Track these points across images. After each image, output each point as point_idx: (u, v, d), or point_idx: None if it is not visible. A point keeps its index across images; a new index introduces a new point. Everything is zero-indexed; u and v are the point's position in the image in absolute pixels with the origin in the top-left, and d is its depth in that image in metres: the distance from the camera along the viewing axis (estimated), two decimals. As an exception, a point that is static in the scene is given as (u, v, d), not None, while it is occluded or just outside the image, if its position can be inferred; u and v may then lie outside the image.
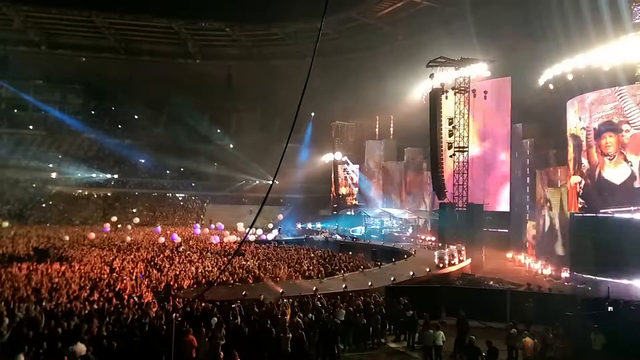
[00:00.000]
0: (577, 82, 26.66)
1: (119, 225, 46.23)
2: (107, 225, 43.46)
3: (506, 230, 37.19)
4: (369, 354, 15.15)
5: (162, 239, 36.68)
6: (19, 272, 22.58)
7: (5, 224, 42.09)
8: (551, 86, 28.76)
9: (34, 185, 62.21)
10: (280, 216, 51.90)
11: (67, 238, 36.66)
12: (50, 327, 13.09)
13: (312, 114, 60.57)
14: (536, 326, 15.33)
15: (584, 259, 25.49)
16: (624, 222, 24.04)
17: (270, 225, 48.01)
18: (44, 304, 16.43)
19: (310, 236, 46.40)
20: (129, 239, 36.92)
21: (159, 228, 45.00)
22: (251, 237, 39.15)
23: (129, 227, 46.46)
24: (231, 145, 72.34)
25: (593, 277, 23.63)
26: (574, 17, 30.44)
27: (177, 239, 36.58)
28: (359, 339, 15.33)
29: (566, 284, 24.87)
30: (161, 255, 29.57)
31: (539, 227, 34.04)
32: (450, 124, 33.90)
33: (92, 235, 37.36)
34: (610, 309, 14.77)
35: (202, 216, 62.84)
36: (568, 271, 26.71)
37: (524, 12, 38.63)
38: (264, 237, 42.05)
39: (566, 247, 29.95)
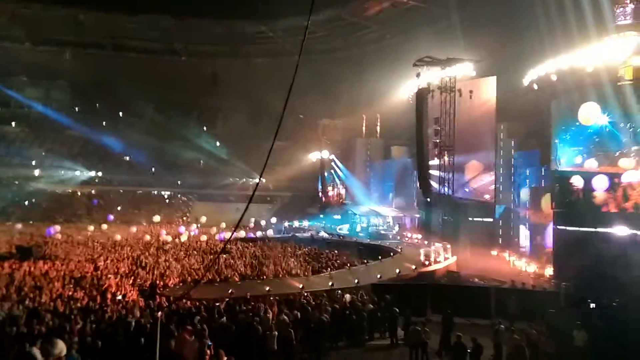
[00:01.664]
0: (561, 82, 27.01)
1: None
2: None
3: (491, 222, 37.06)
4: (354, 351, 15.22)
5: (147, 237, 36.50)
6: (2, 270, 22.28)
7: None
8: (535, 86, 29.10)
9: (16, 182, 61.28)
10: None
11: (59, 236, 36.31)
12: (33, 325, 12.95)
13: (301, 117, 60.33)
14: (519, 323, 15.55)
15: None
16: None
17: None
18: (26, 302, 16.25)
19: (297, 234, 46.41)
20: (118, 237, 36.61)
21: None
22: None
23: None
24: (217, 143, 71.98)
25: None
26: (557, 18, 30.80)
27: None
28: (345, 336, 15.41)
29: (550, 281, 25.16)
30: (146, 253, 29.38)
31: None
32: (436, 123, 34.12)
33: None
34: (592, 306, 15.01)
35: (187, 214, 62.50)
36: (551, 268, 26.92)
37: (508, 12, 38.93)
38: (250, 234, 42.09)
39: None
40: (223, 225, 45.66)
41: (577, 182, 24.51)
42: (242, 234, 39.71)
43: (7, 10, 59.89)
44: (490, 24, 39.78)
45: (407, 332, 14.68)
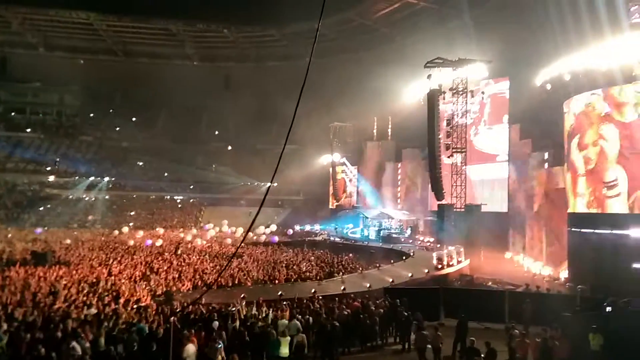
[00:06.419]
0: (574, 82, 26.70)
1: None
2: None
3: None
4: (366, 356, 15.13)
5: (159, 242, 36.79)
6: (17, 276, 22.49)
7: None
8: (548, 86, 28.80)
9: (31, 188, 62.05)
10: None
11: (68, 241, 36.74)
12: (48, 330, 13.03)
13: None
14: (534, 327, 15.34)
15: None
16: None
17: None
18: (42, 307, 16.37)
19: (309, 238, 46.37)
20: (131, 242, 36.92)
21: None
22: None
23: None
24: (229, 147, 72.32)
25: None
26: (570, 16, 30.45)
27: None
28: (358, 341, 15.33)
29: (566, 285, 24.84)
30: (159, 258, 29.52)
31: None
32: (448, 124, 33.92)
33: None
34: (608, 309, 14.74)
35: (200, 218, 62.80)
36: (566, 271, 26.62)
37: (520, 12, 38.69)
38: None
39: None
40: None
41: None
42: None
43: (19, 16, 60.85)
44: (502, 24, 39.55)
45: (416, 336, 14.62)
